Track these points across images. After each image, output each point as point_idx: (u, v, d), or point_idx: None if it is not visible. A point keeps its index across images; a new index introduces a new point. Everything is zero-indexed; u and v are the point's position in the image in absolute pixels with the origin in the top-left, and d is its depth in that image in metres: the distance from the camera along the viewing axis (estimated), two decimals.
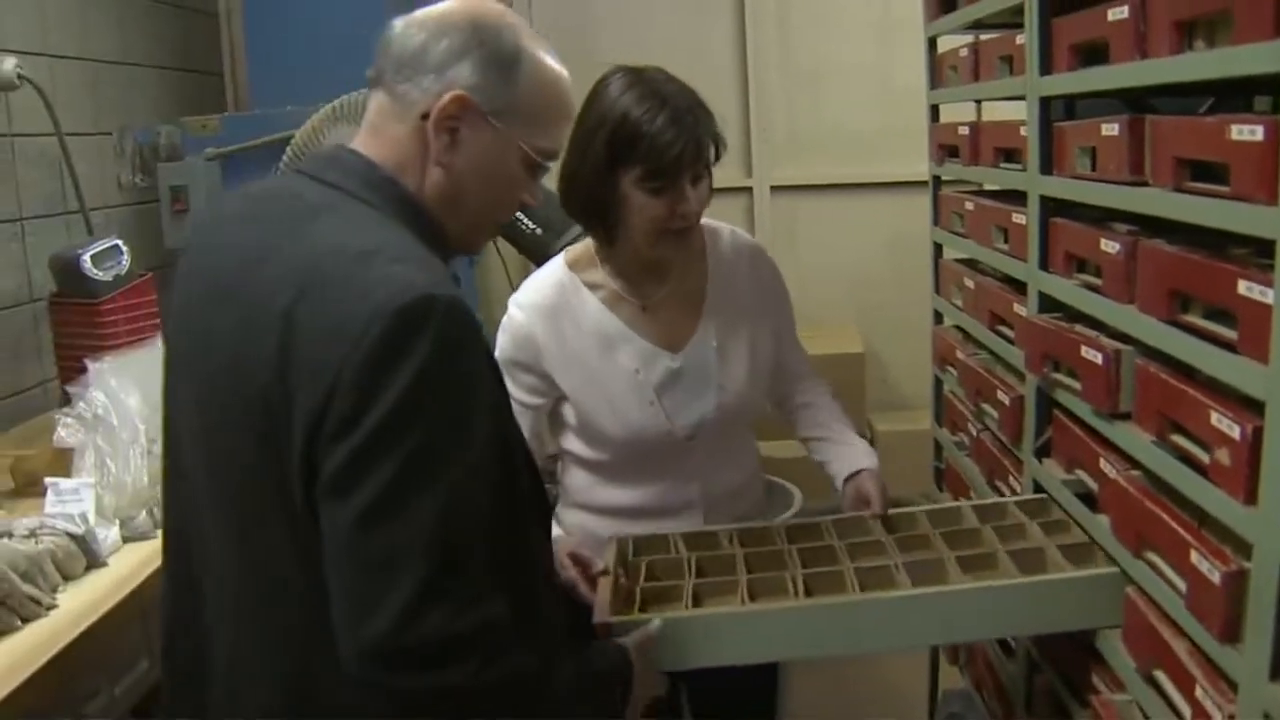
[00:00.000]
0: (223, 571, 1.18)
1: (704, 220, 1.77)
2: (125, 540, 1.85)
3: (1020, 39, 1.75)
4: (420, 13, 1.20)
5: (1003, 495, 1.89)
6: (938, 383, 2.46)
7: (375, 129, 1.20)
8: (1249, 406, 1.11)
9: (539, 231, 2.55)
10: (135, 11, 3.32)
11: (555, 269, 1.78)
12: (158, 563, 1.76)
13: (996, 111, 2.08)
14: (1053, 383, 1.64)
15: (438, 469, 1.02)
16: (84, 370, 1.98)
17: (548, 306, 1.73)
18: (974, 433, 2.12)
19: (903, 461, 3.30)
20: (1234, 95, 1.62)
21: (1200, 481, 1.20)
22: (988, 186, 2.19)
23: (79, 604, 1.61)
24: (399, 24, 1.19)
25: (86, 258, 2.44)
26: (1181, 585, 1.23)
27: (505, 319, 1.76)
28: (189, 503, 1.21)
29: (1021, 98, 1.74)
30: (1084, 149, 1.53)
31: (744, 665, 1.45)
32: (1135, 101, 1.57)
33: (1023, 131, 1.76)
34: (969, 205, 2.14)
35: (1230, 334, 1.14)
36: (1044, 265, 1.70)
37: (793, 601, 1.45)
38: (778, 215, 4.08)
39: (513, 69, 1.17)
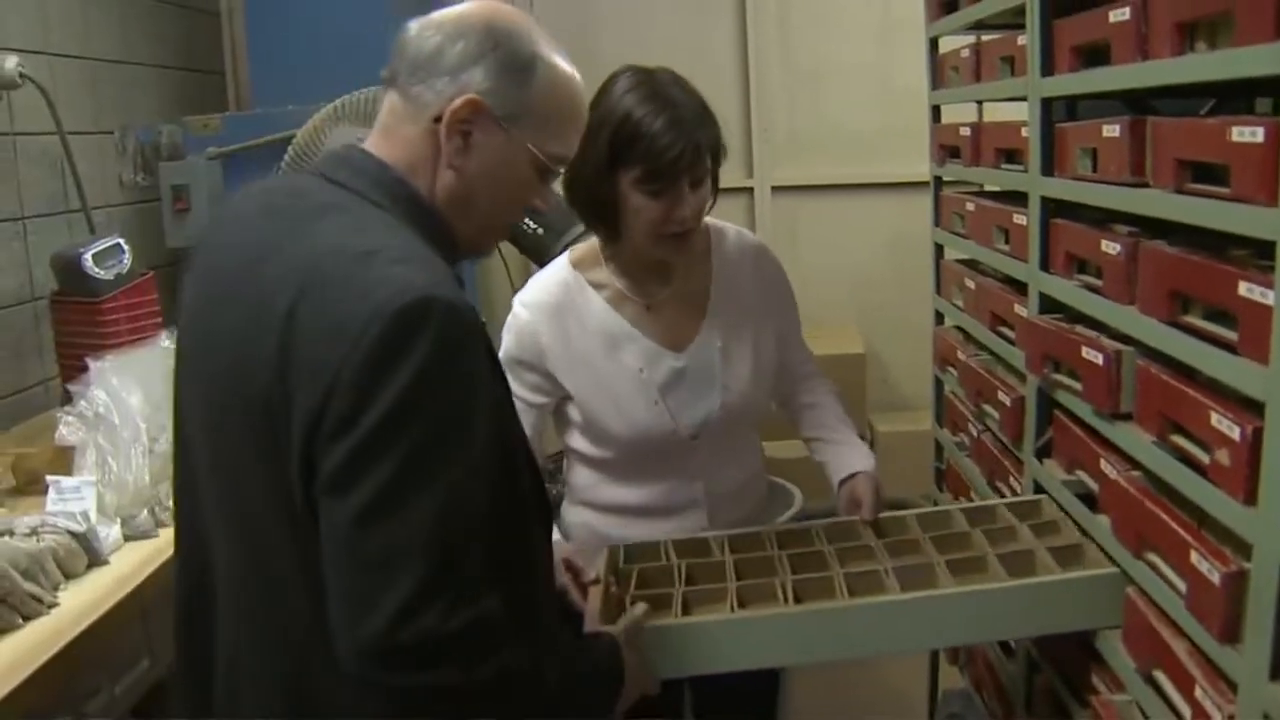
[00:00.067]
0: (227, 571, 1.18)
1: (709, 220, 1.77)
2: (126, 539, 1.85)
3: (1022, 40, 1.75)
4: (436, 14, 1.20)
5: (1003, 496, 1.89)
6: (938, 383, 2.46)
7: (387, 130, 1.20)
8: (1249, 407, 1.11)
9: (540, 231, 2.55)
10: (137, 10, 3.32)
11: (560, 268, 1.78)
12: (159, 561, 1.78)
13: (998, 112, 2.08)
14: (1053, 383, 1.64)
15: (436, 469, 1.02)
16: (85, 369, 1.98)
17: (552, 305, 1.73)
18: (975, 433, 2.12)
19: (903, 462, 3.30)
20: (1235, 97, 1.62)
21: (1200, 482, 1.20)
22: (989, 187, 2.19)
23: (80, 602, 1.61)
24: (414, 26, 1.19)
25: (88, 256, 2.44)
26: (1181, 585, 1.24)
27: (510, 318, 1.77)
28: (197, 502, 1.21)
29: (1023, 99, 1.74)
30: (1085, 150, 1.53)
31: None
32: (1136, 103, 1.57)
33: (1024, 132, 1.76)
34: (970, 206, 2.14)
35: (1230, 335, 1.14)
36: (1045, 266, 1.71)
37: (781, 608, 1.45)
38: (778, 215, 4.08)
39: (527, 74, 1.17)
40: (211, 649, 1.20)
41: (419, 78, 1.17)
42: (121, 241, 2.53)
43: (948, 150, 2.30)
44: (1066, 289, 1.62)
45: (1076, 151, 1.56)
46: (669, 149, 1.56)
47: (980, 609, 1.44)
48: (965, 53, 2.13)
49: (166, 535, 1.87)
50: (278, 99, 3.13)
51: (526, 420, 1.70)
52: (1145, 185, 1.36)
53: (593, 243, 1.78)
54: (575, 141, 1.27)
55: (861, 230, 4.06)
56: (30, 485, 1.99)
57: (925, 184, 2.46)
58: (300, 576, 1.08)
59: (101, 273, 2.45)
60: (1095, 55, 1.50)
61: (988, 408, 1.98)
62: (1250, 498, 1.10)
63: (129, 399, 1.93)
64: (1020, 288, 1.82)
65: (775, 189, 4.10)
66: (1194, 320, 1.25)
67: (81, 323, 2.47)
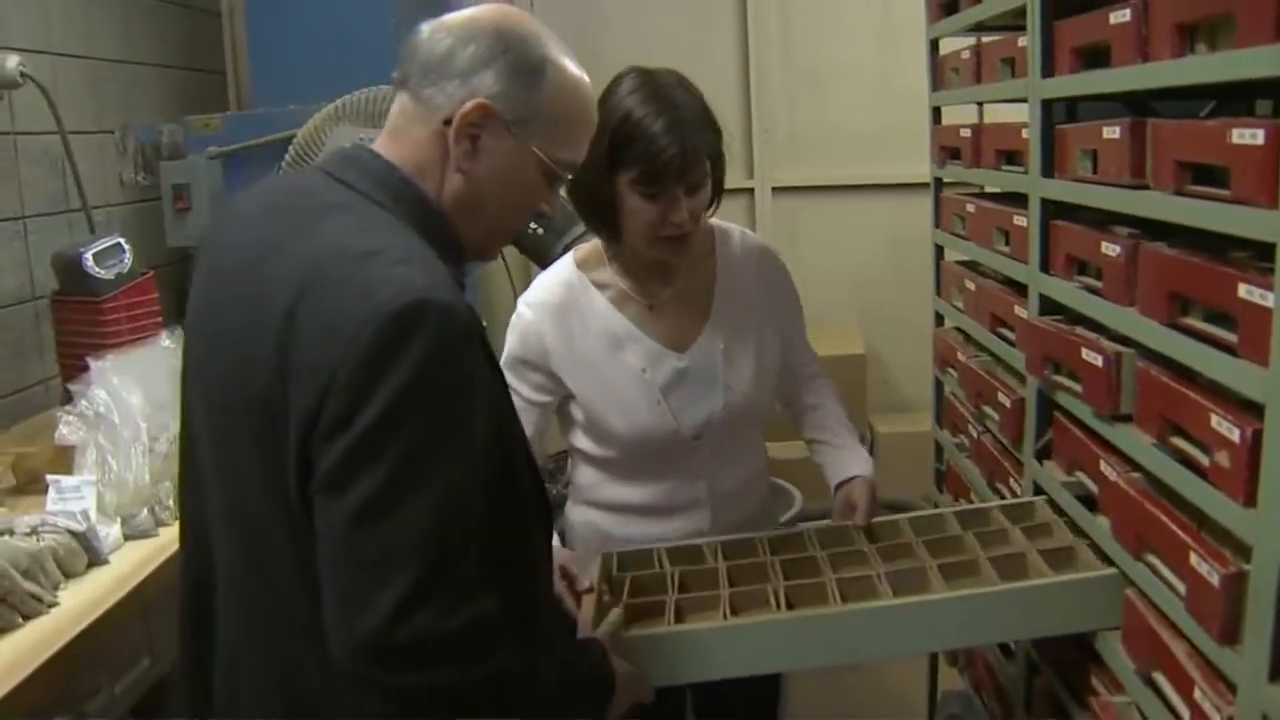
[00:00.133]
0: (227, 571, 1.19)
1: (714, 221, 1.78)
2: (126, 538, 1.85)
3: (1022, 41, 1.75)
4: (448, 17, 1.20)
5: (1003, 497, 1.89)
6: (938, 384, 2.46)
7: (397, 131, 1.20)
8: (1249, 409, 1.11)
9: (540, 232, 2.55)
10: (138, 10, 3.32)
11: (564, 268, 1.79)
12: (159, 560, 1.78)
13: (998, 114, 2.08)
14: (1053, 385, 1.64)
15: (432, 469, 1.02)
16: (86, 368, 1.98)
17: (556, 305, 1.74)
18: (975, 434, 2.12)
19: (903, 463, 3.31)
20: (1235, 99, 1.62)
21: (1200, 484, 1.20)
22: (989, 189, 2.19)
23: (80, 602, 1.61)
24: (426, 28, 1.20)
25: (88, 256, 2.44)
26: (1181, 587, 1.24)
27: (514, 318, 1.77)
28: (202, 501, 1.22)
29: (1023, 100, 1.74)
30: (1085, 152, 1.54)
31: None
32: (1137, 104, 1.57)
33: (1024, 134, 1.76)
34: (970, 207, 2.14)
35: (1230, 337, 1.14)
36: (1045, 268, 1.71)
37: (774, 615, 1.46)
38: (779, 216, 4.08)
39: (537, 79, 1.17)
40: (212, 647, 1.21)
41: (430, 80, 1.17)
42: (122, 241, 2.53)
43: (948, 151, 2.30)
44: (1066, 290, 1.62)
45: (1077, 153, 1.56)
46: (664, 151, 1.56)
47: (972, 613, 1.44)
48: (966, 54, 2.13)
49: (166, 534, 1.87)
50: (278, 99, 3.13)
51: (529, 419, 1.71)
52: (1145, 187, 1.36)
53: (597, 243, 1.78)
54: (584, 147, 1.27)
55: (862, 231, 4.06)
56: (30, 484, 1.99)
57: (926, 185, 2.46)
58: (297, 576, 1.08)
59: (102, 272, 2.45)
60: (1095, 57, 1.50)
61: (988, 409, 1.98)
62: (1250, 499, 1.10)
63: (129, 398, 1.93)
64: (1020, 289, 1.82)
65: (776, 189, 4.09)
66: (1194, 322, 1.25)
67: (82, 322, 2.47)
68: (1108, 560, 1.47)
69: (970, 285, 2.14)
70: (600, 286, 1.76)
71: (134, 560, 1.78)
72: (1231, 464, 1.12)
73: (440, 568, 1.01)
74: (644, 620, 1.49)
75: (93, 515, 1.77)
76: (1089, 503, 1.56)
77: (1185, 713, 1.23)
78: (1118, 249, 1.43)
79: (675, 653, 1.43)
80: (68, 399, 2.01)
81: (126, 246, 2.53)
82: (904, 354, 3.93)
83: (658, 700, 1.42)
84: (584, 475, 1.83)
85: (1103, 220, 1.57)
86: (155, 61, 3.41)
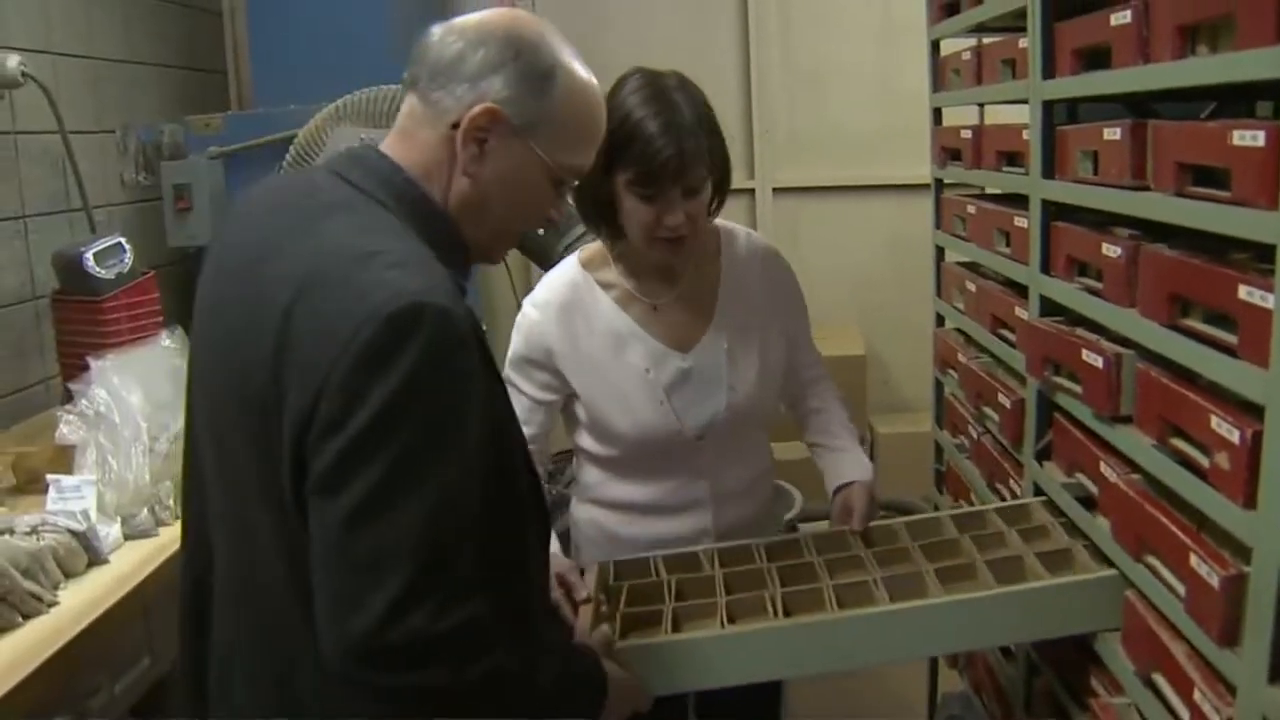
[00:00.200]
0: (224, 571, 1.19)
1: (719, 222, 1.78)
2: (126, 538, 1.85)
3: (1023, 43, 1.75)
4: (459, 20, 1.20)
5: (1003, 498, 1.89)
6: (939, 385, 2.46)
7: (405, 132, 1.20)
8: (1249, 411, 1.11)
9: (541, 232, 2.55)
10: (139, 10, 3.32)
11: (569, 268, 1.79)
12: (159, 560, 1.78)
13: (999, 115, 2.08)
14: (1053, 386, 1.64)
15: (426, 471, 1.02)
16: (86, 368, 1.98)
17: (561, 305, 1.75)
18: (975, 435, 2.12)
19: (903, 464, 3.31)
20: (1236, 100, 1.62)
21: (1200, 485, 1.20)
22: (990, 190, 2.19)
23: (80, 601, 1.62)
24: (437, 30, 1.19)
25: (89, 255, 2.45)
26: (1181, 589, 1.24)
27: (519, 317, 1.78)
28: (204, 501, 1.22)
29: (1024, 101, 1.74)
30: (1086, 153, 1.54)
31: None
32: (1137, 106, 1.57)
33: (1025, 135, 1.76)
34: (971, 208, 2.14)
35: (1230, 338, 1.14)
36: (1045, 269, 1.71)
37: (770, 622, 1.46)
38: (780, 217, 4.08)
39: (546, 85, 1.17)
40: (208, 646, 1.21)
41: (439, 83, 1.17)
42: (123, 241, 2.54)
43: (949, 152, 2.30)
44: (1067, 292, 1.62)
45: (1077, 154, 1.56)
46: (660, 152, 1.56)
47: (970, 617, 1.44)
48: (966, 55, 2.13)
49: (166, 534, 1.87)
50: (279, 98, 3.13)
51: (535, 419, 1.72)
52: (1146, 188, 1.36)
53: (601, 243, 1.78)
54: (592, 154, 1.28)
55: (862, 232, 4.06)
56: (31, 484, 1.99)
57: (926, 186, 2.46)
58: (292, 577, 1.08)
59: (103, 272, 2.45)
60: (1096, 58, 1.50)
61: (988, 410, 1.98)
62: (1250, 501, 1.10)
63: (130, 398, 1.93)
64: (1021, 290, 1.82)
65: (776, 190, 4.10)
66: (1194, 323, 1.25)
67: (82, 322, 2.47)
68: (1105, 562, 1.47)
69: (971, 286, 2.14)
70: (605, 286, 1.76)
71: (134, 560, 1.78)
72: (1231, 465, 1.12)
73: (433, 569, 1.01)
74: (642, 629, 1.49)
75: (93, 515, 1.77)
76: (1089, 504, 1.56)
77: (1185, 714, 1.23)
78: (1118, 250, 1.43)
79: (673, 662, 1.43)
80: (68, 398, 2.01)
81: (127, 246, 2.54)
82: (904, 355, 3.93)
83: (660, 702, 1.42)
84: (588, 474, 1.83)
85: (1103, 221, 1.57)
86: (156, 61, 3.42)
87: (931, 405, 2.52)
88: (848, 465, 1.79)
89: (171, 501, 1.90)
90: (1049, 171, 1.68)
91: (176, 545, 1.30)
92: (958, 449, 2.28)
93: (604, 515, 1.82)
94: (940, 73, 2.37)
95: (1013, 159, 1.90)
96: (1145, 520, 1.33)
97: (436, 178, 1.18)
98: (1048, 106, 1.68)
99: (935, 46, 2.40)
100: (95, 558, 1.74)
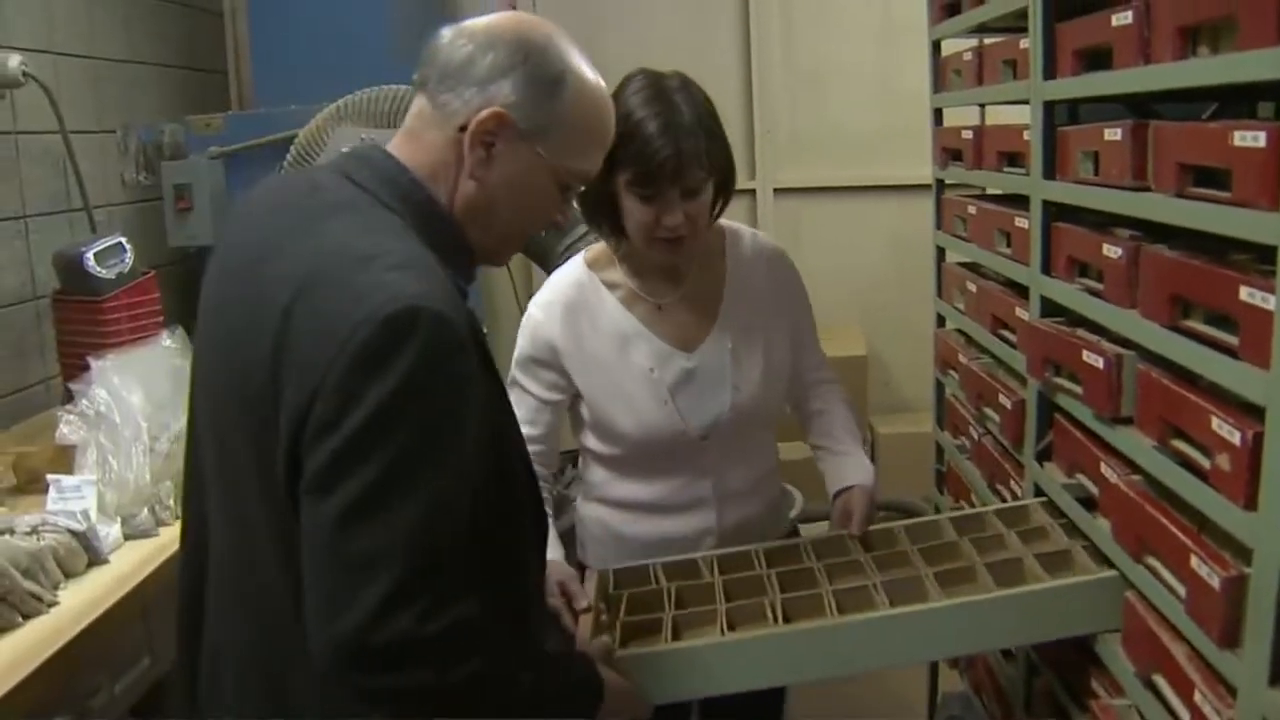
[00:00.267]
0: (218, 572, 1.19)
1: (725, 222, 1.79)
2: (127, 538, 1.85)
3: (1024, 43, 1.75)
4: (470, 23, 1.20)
5: (1004, 499, 1.89)
6: (939, 386, 2.46)
7: (413, 133, 1.20)
8: (1249, 412, 1.11)
9: (543, 232, 2.55)
10: (140, 10, 3.32)
11: (575, 268, 1.80)
12: (159, 560, 1.78)
13: (1000, 115, 2.08)
14: (1054, 387, 1.64)
15: (419, 474, 1.02)
16: (86, 368, 1.98)
17: (566, 304, 1.75)
18: (975, 436, 2.12)
19: (904, 464, 3.31)
20: (1237, 101, 1.62)
21: (1200, 486, 1.20)
22: (990, 190, 2.19)
23: (80, 601, 1.61)
24: (448, 33, 1.19)
25: (90, 255, 2.44)
26: (1181, 590, 1.24)
27: (525, 317, 1.79)
28: (204, 500, 1.22)
29: (1025, 102, 1.74)
30: (1087, 154, 1.53)
31: None
32: (1139, 107, 1.57)
33: (1026, 136, 1.76)
34: (972, 209, 2.14)
35: (1231, 339, 1.14)
36: (1046, 269, 1.70)
37: (771, 629, 1.45)
38: (781, 217, 4.08)
39: (555, 90, 1.17)
40: (203, 646, 1.21)
41: (448, 85, 1.17)
42: (123, 240, 2.53)
43: (950, 153, 2.30)
44: (1068, 292, 1.62)
45: (1078, 155, 1.56)
46: (658, 153, 1.56)
47: (970, 620, 1.44)
48: (967, 55, 2.13)
49: (167, 534, 1.87)
50: (280, 98, 3.13)
51: (543, 418, 1.73)
52: (1147, 189, 1.36)
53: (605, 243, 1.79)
54: (599, 159, 1.28)
55: (863, 232, 4.06)
56: (31, 484, 1.99)
57: (927, 186, 2.46)
58: (286, 576, 1.08)
59: (103, 272, 2.45)
60: (1097, 59, 1.50)
61: (988, 411, 1.98)
62: (1250, 502, 1.10)
63: (130, 398, 1.93)
64: (1021, 291, 1.82)
65: (778, 190, 4.10)
66: (1195, 325, 1.24)
67: (83, 321, 2.47)
68: (1105, 562, 1.47)
69: (971, 287, 2.14)
70: (610, 286, 1.77)
71: (134, 560, 1.78)
72: (1232, 467, 1.12)
73: (423, 572, 1.01)
74: (642, 638, 1.49)
75: (93, 515, 1.77)
76: (1089, 505, 1.56)
77: (1185, 715, 1.23)
78: (1119, 251, 1.42)
79: (674, 670, 1.43)
80: (68, 398, 2.01)
81: (128, 246, 2.53)
82: (905, 355, 3.93)
83: (663, 705, 1.42)
84: (594, 473, 1.84)
85: (1104, 222, 1.57)
86: (157, 61, 3.42)
87: (932, 406, 2.52)
88: (848, 469, 1.79)
89: (172, 501, 1.90)
90: (1050, 172, 1.67)
91: (177, 545, 1.30)
92: (958, 450, 2.28)
93: (609, 514, 1.82)
94: (941, 73, 2.37)
95: (1014, 159, 1.90)
96: (1146, 521, 1.33)
97: (443, 179, 1.18)
98: (1049, 107, 1.68)
99: (936, 47, 2.40)
100: (95, 558, 1.74)
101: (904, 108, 3.64)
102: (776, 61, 4.06)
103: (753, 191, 4.08)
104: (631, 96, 1.60)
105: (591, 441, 1.80)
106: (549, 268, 2.38)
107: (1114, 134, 1.43)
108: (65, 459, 1.90)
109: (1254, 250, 1.14)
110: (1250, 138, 1.08)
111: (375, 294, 1.02)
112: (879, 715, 2.87)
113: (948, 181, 2.37)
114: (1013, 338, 1.90)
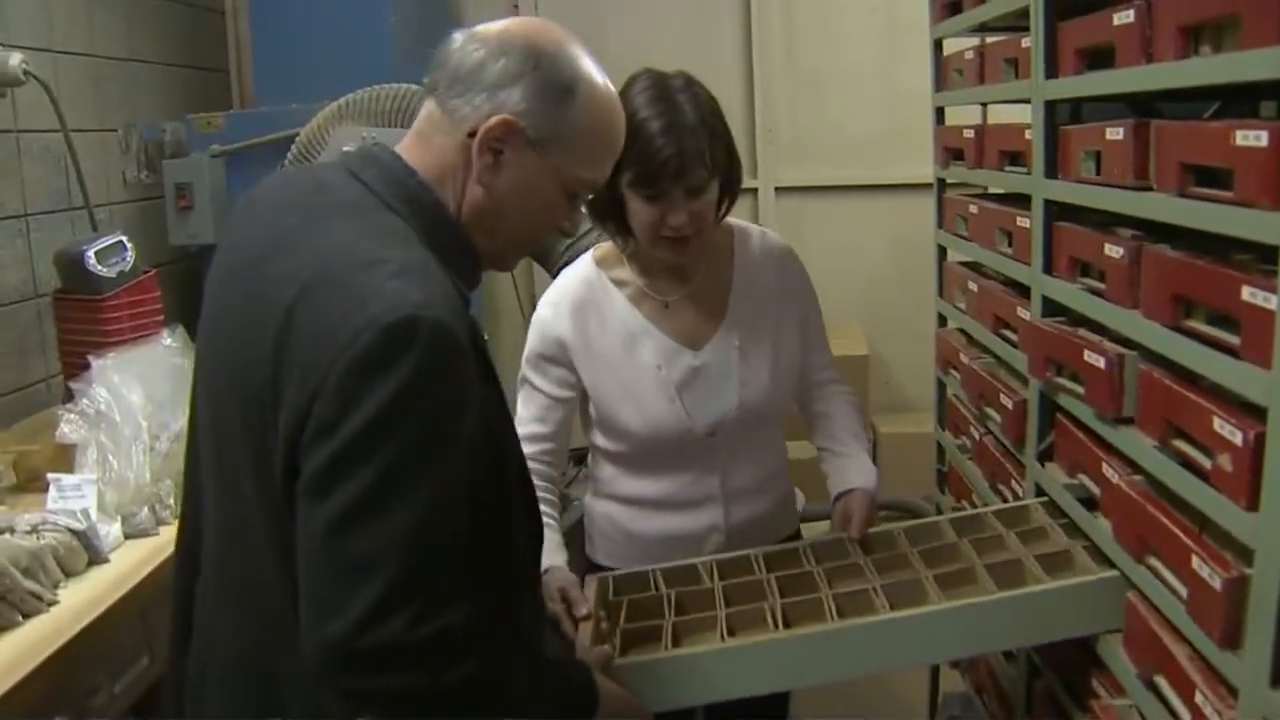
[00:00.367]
0: (217, 572, 1.19)
1: (733, 220, 1.80)
2: (127, 537, 1.85)
3: (1026, 42, 1.74)
4: (482, 28, 1.19)
5: (1005, 499, 1.89)
6: (941, 386, 2.46)
7: (422, 136, 1.20)
8: (1251, 412, 1.10)
9: None
10: (141, 8, 3.32)
11: (584, 265, 1.81)
12: (159, 559, 1.78)
13: (1001, 115, 2.07)
14: (1056, 387, 1.64)
15: (414, 481, 1.02)
16: (87, 366, 1.99)
17: (575, 302, 1.76)
18: (977, 436, 2.12)
19: (905, 464, 3.30)
20: (1239, 100, 1.62)
21: (1202, 487, 1.20)
22: (992, 190, 2.18)
23: (80, 600, 1.62)
24: (460, 37, 1.19)
25: (91, 254, 2.44)
26: (1183, 590, 1.23)
27: (534, 315, 1.80)
28: (202, 499, 1.22)
29: (1026, 101, 1.74)
30: (1089, 153, 1.53)
31: None
32: (1140, 106, 1.56)
33: (1028, 135, 1.76)
34: (973, 208, 2.14)
35: (1233, 339, 1.14)
36: (1048, 269, 1.70)
37: (771, 634, 1.45)
38: (783, 217, 4.08)
39: (565, 98, 1.17)
40: (193, 645, 1.21)
41: (458, 90, 1.16)
42: (124, 239, 2.54)
43: (951, 152, 2.30)
44: (1069, 292, 1.61)
45: (1080, 154, 1.56)
46: (660, 152, 1.56)
47: (971, 623, 1.43)
48: (969, 55, 2.13)
49: (167, 533, 1.87)
50: (281, 97, 3.13)
51: (553, 415, 1.75)
52: (1149, 189, 1.35)
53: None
54: (608, 168, 1.27)
55: (865, 232, 4.06)
56: (31, 483, 1.99)
57: (929, 186, 2.46)
58: (278, 577, 1.08)
59: (104, 270, 2.45)
60: (1099, 58, 1.50)
61: (990, 410, 1.98)
62: (1252, 503, 1.09)
63: (130, 397, 1.93)
64: (1023, 291, 1.82)
65: (779, 190, 4.10)
66: (1197, 324, 1.24)
67: (84, 320, 2.47)
68: (1105, 562, 1.47)
69: (973, 286, 2.14)
70: (619, 284, 1.77)
71: (134, 559, 1.78)
72: (1234, 467, 1.12)
73: (415, 576, 1.01)
74: (642, 645, 1.49)
75: (93, 514, 1.77)
76: (1090, 505, 1.55)
77: (1186, 716, 1.23)
78: (1121, 251, 1.42)
79: (674, 678, 1.42)
80: (69, 397, 2.01)
81: (129, 245, 2.53)
82: (906, 355, 3.93)
83: (665, 713, 1.42)
84: (602, 469, 1.85)
85: (1106, 222, 1.57)
86: (158, 60, 3.42)
87: (934, 405, 2.52)
88: (851, 471, 1.79)
89: (172, 500, 1.90)
90: (1051, 171, 1.67)
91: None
92: (960, 449, 2.28)
93: (618, 510, 1.83)
94: (943, 72, 2.37)
95: (1015, 159, 1.90)
96: (1147, 521, 1.32)
97: (450, 184, 1.18)
98: (1050, 106, 1.67)
99: (938, 46, 2.40)
100: (95, 557, 1.74)
101: (905, 107, 3.64)
102: (778, 61, 4.06)
103: (755, 191, 4.07)
104: (635, 96, 1.60)
105: (600, 438, 1.81)
106: (550, 268, 2.38)
107: (1116, 133, 1.42)
108: (66, 458, 1.90)
109: (1256, 250, 1.14)
110: (1252, 137, 1.07)
111: (377, 301, 1.02)
112: (880, 715, 2.87)
113: (949, 181, 2.37)
114: (1014, 337, 1.90)
